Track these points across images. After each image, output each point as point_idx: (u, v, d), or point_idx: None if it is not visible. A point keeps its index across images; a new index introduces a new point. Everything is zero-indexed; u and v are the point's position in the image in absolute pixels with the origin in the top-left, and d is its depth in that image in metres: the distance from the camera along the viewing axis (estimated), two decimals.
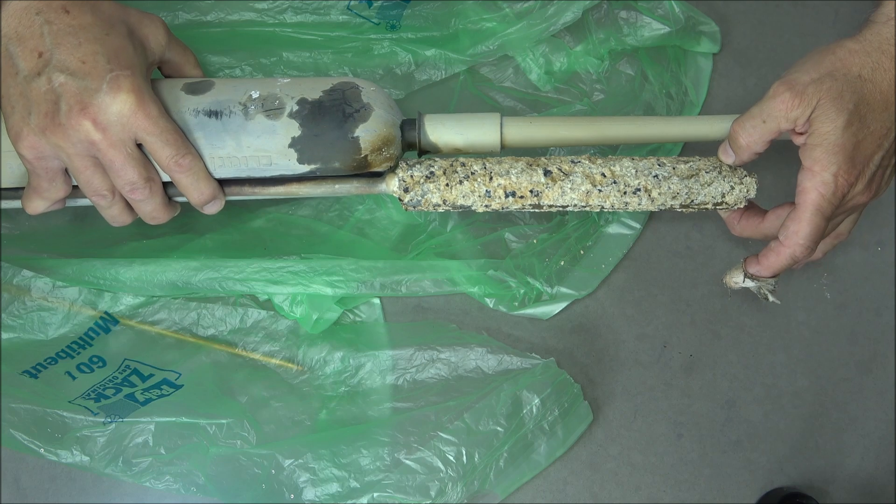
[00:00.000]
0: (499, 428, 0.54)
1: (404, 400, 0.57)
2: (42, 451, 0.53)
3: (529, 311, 0.60)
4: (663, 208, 0.51)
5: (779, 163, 0.63)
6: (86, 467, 0.54)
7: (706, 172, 0.51)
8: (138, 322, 0.59)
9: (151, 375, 0.57)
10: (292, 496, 0.54)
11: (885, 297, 0.62)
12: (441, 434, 0.54)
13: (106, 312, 0.59)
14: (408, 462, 0.54)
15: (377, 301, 0.61)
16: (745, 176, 0.51)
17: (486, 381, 0.57)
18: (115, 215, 0.48)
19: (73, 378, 0.56)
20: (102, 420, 0.54)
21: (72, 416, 0.54)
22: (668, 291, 0.62)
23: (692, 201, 0.51)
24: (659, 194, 0.50)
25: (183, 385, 0.56)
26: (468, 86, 0.64)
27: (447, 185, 0.50)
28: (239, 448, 0.54)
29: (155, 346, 0.58)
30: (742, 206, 0.52)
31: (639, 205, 0.51)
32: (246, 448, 0.54)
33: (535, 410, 0.55)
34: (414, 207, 0.50)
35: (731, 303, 0.61)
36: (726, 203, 0.51)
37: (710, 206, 0.51)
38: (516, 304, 0.60)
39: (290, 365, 0.59)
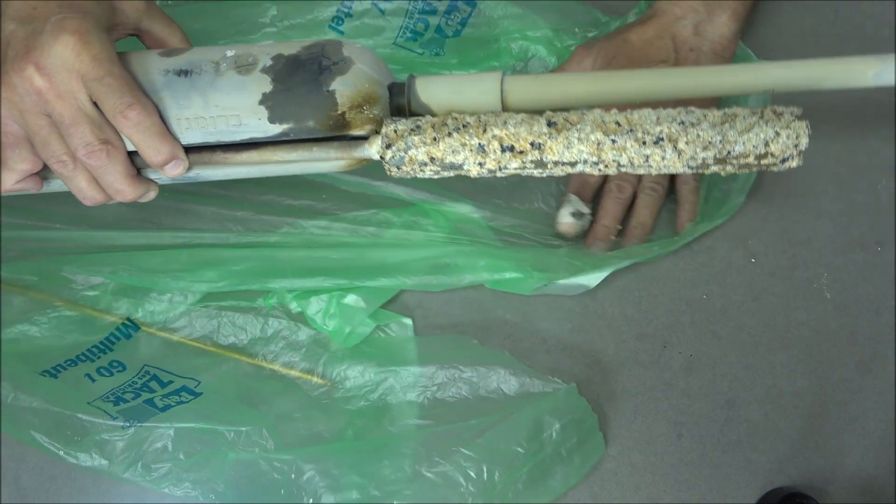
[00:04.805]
0: (520, 449, 0.54)
1: (426, 418, 0.57)
2: (62, 453, 0.54)
3: (574, 280, 0.59)
4: (694, 166, 0.44)
5: None
6: (104, 471, 0.54)
7: (744, 118, 0.43)
8: (159, 329, 0.59)
9: (171, 382, 0.56)
10: (311, 501, 0.53)
11: (885, 297, 0.62)
12: (463, 450, 0.53)
13: (128, 318, 0.59)
14: (429, 475, 0.53)
15: (409, 321, 0.60)
16: (794, 120, 0.43)
17: (507, 402, 0.57)
18: (83, 188, 0.45)
19: (93, 380, 0.56)
20: (121, 424, 0.54)
21: (90, 419, 0.54)
22: (668, 291, 0.62)
23: (729, 153, 0.43)
24: (686, 144, 0.43)
25: (202, 393, 0.56)
26: None
27: (434, 138, 0.44)
28: (258, 454, 0.54)
29: (176, 354, 0.58)
30: (794, 165, 0.44)
31: (663, 159, 0.43)
32: (266, 454, 0.54)
33: (554, 435, 0.54)
34: (398, 168, 0.45)
35: (731, 303, 0.61)
36: (771, 154, 0.43)
37: (752, 162, 0.43)
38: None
39: (309, 377, 0.58)
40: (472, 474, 0.53)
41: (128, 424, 0.54)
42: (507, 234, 0.62)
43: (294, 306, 0.60)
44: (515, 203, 0.63)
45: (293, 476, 0.53)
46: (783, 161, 0.43)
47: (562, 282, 0.59)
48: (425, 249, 0.59)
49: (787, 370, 0.60)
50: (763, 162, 0.43)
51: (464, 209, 0.62)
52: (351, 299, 0.58)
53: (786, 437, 0.59)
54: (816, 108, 0.65)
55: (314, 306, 0.59)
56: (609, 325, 0.61)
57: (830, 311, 0.62)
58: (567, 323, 0.61)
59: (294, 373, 0.59)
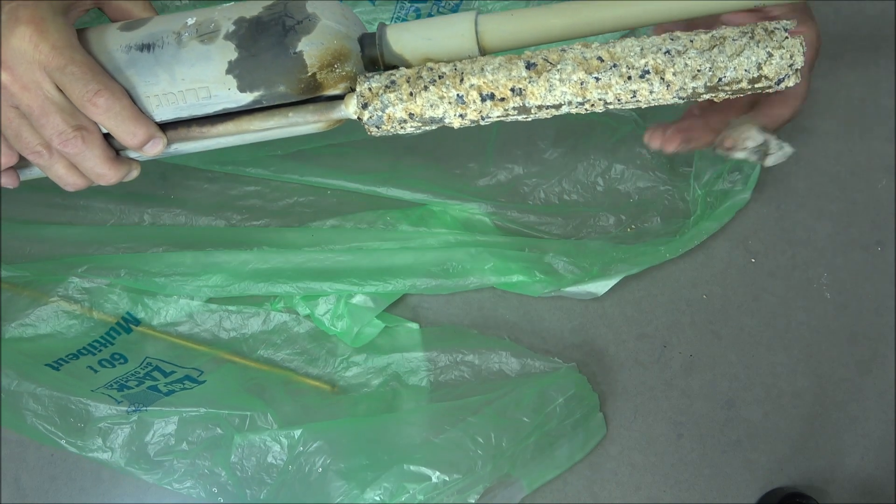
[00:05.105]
0: (525, 419, 0.54)
1: (431, 399, 0.57)
2: (63, 442, 0.53)
3: (583, 287, 0.59)
4: (684, 97, 0.41)
5: None
6: (107, 463, 0.53)
7: (734, 40, 0.40)
8: (160, 332, 0.59)
9: (173, 372, 0.57)
10: (320, 469, 0.53)
11: (885, 297, 0.62)
12: (469, 419, 0.53)
13: (128, 312, 0.59)
14: (437, 440, 0.53)
15: (415, 326, 0.61)
16: (786, 38, 0.40)
17: (509, 382, 0.57)
18: (62, 175, 0.44)
19: (95, 371, 0.56)
20: (126, 409, 0.53)
21: (95, 404, 0.53)
22: (668, 291, 0.62)
23: (720, 80, 0.40)
24: (674, 75, 0.40)
25: (205, 381, 0.57)
26: None
27: (411, 94, 0.42)
28: (266, 432, 0.54)
29: (177, 348, 0.58)
30: (791, 84, 0.40)
31: (651, 93, 0.40)
32: (273, 430, 0.54)
33: (558, 409, 0.55)
34: (377, 128, 0.43)
35: (730, 303, 0.61)
36: (766, 77, 0.40)
37: (746, 87, 0.41)
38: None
39: (312, 382, 0.59)
40: (480, 440, 0.53)
41: (133, 409, 0.53)
42: (514, 230, 0.63)
43: (302, 309, 0.60)
44: (518, 199, 0.63)
45: (301, 448, 0.53)
46: (778, 82, 0.41)
47: (570, 289, 0.59)
48: (433, 252, 0.59)
49: (787, 370, 0.60)
50: (757, 86, 0.41)
51: (471, 209, 0.62)
52: (359, 299, 0.59)
53: (786, 437, 0.59)
54: (817, 107, 0.65)
55: (322, 307, 0.59)
56: (609, 325, 0.61)
57: (830, 311, 0.62)
58: (567, 323, 0.61)
59: (297, 378, 0.58)
